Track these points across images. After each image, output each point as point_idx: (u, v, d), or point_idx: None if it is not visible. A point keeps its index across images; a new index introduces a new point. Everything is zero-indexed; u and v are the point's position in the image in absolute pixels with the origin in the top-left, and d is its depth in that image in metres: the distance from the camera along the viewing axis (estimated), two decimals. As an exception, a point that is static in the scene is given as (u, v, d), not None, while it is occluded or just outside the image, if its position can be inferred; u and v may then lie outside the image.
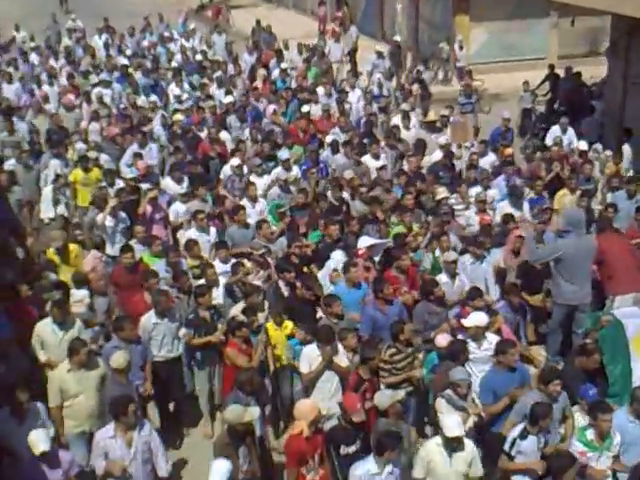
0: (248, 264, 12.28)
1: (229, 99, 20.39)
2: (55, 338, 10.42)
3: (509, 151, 17.03)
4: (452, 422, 8.42)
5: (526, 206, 14.47)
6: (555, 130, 18.35)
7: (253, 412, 8.67)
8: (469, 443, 8.60)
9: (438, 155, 16.76)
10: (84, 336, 10.49)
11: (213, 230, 13.73)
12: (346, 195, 14.83)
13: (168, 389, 10.97)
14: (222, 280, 11.98)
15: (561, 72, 23.08)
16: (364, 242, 12.56)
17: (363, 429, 8.97)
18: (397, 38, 25.12)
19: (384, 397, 9.14)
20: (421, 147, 17.22)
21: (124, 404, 8.56)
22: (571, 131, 18.35)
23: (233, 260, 12.38)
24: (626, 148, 17.16)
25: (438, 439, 8.56)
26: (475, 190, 14.65)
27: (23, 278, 11.69)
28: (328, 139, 17.77)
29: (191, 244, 12.82)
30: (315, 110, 19.81)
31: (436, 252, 12.58)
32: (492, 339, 10.27)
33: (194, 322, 10.93)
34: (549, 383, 9.05)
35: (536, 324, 12.50)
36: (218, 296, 11.86)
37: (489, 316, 10.54)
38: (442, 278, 11.74)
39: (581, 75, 22.31)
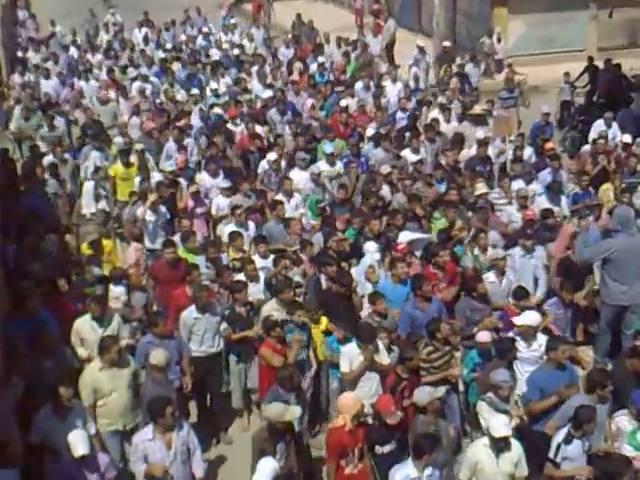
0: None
1: (268, 93, 20.26)
2: (94, 334, 10.31)
3: (550, 145, 16.77)
4: (499, 422, 8.32)
5: (564, 201, 14.19)
6: (599, 124, 17.97)
7: (294, 411, 8.62)
8: (515, 443, 8.47)
9: (474, 149, 16.57)
10: (124, 332, 10.56)
11: (252, 225, 13.65)
12: (384, 190, 14.69)
13: (207, 384, 10.87)
14: (261, 275, 11.88)
15: (600, 64, 22.66)
16: (405, 237, 12.37)
17: (398, 430, 8.82)
18: (447, 43, 24.64)
19: (423, 394, 9.03)
20: (458, 141, 17.02)
21: (162, 405, 8.46)
22: (615, 125, 17.98)
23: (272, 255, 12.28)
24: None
25: (485, 440, 8.44)
26: (517, 185, 14.41)
27: (61, 273, 11.70)
28: (369, 132, 17.63)
29: (235, 235, 12.79)
30: (352, 104, 19.64)
31: (475, 250, 12.31)
32: (542, 340, 10.03)
33: (230, 318, 10.90)
34: (602, 388, 8.81)
35: (585, 324, 12.17)
36: (259, 291, 11.75)
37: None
38: (489, 277, 11.52)
39: (620, 67, 21.84)
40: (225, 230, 13.50)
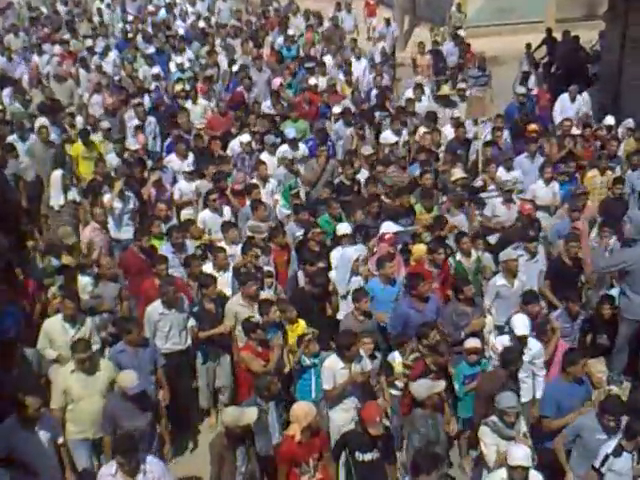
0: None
1: (234, 68, 19.59)
2: (65, 336, 9.63)
3: (533, 127, 15.90)
4: (519, 452, 7.63)
5: (557, 189, 13.65)
6: (564, 99, 17.64)
7: (251, 415, 8.09)
8: (536, 475, 7.79)
9: (449, 130, 16.08)
10: (96, 337, 9.96)
11: (227, 209, 13.05)
12: (364, 174, 14.18)
13: (175, 384, 10.08)
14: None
15: (559, 36, 22.27)
16: (389, 227, 11.73)
17: (382, 439, 8.27)
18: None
19: (422, 388, 8.59)
20: (432, 119, 16.42)
21: (126, 447, 7.65)
22: (580, 99, 17.66)
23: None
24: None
25: (503, 473, 7.74)
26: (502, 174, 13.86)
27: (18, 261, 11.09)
28: (336, 110, 17.00)
29: (188, 224, 12.22)
30: (322, 82, 18.93)
31: (457, 256, 11.64)
32: (533, 346, 9.56)
33: (199, 314, 10.39)
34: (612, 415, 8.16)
35: (594, 334, 11.13)
36: (226, 282, 11.19)
37: (544, 324, 9.88)
38: (496, 280, 10.92)
39: (578, 39, 21.56)
40: (200, 218, 12.93)
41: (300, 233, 12.26)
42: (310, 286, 10.62)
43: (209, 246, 12.07)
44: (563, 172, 14.02)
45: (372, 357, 9.63)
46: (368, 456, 8.19)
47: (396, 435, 9.07)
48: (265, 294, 10.59)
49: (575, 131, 15.91)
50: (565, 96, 17.74)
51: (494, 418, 8.34)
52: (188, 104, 17.54)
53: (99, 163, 14.45)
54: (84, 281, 10.91)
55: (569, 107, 17.64)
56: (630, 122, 15.85)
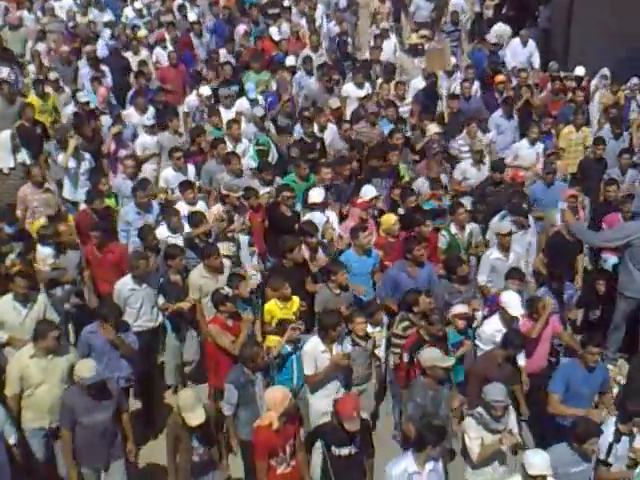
0: (220, 208, 11.02)
1: (192, 17, 18.72)
2: (17, 317, 8.97)
3: (501, 77, 15.32)
4: (539, 459, 7.04)
5: (541, 148, 13.10)
6: (515, 43, 17.16)
7: (200, 414, 7.50)
8: None
9: (419, 81, 15.44)
10: (51, 314, 9.22)
11: (191, 168, 12.43)
12: (331, 129, 13.52)
13: (144, 363, 9.55)
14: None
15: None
16: (369, 192, 11.22)
17: (359, 433, 7.73)
18: None
19: (428, 355, 8.14)
20: (390, 72, 15.82)
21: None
22: (532, 44, 17.15)
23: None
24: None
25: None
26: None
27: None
28: (291, 60, 16.39)
29: (145, 183, 11.49)
30: (285, 29, 18.26)
31: (452, 228, 11.04)
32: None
33: (165, 288, 9.81)
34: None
35: (586, 309, 10.60)
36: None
37: (534, 300, 9.32)
38: (492, 253, 10.42)
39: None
40: (162, 175, 12.41)
41: (264, 191, 11.62)
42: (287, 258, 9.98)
43: (164, 206, 11.51)
44: (542, 132, 13.46)
45: (366, 338, 9.06)
46: (345, 450, 7.68)
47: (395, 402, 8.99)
48: (250, 265, 10.26)
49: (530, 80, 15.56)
50: (517, 41, 17.27)
51: (480, 409, 7.83)
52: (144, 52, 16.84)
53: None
54: (45, 252, 10.12)
55: (520, 52, 17.18)
56: (605, 70, 15.30)
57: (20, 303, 9.01)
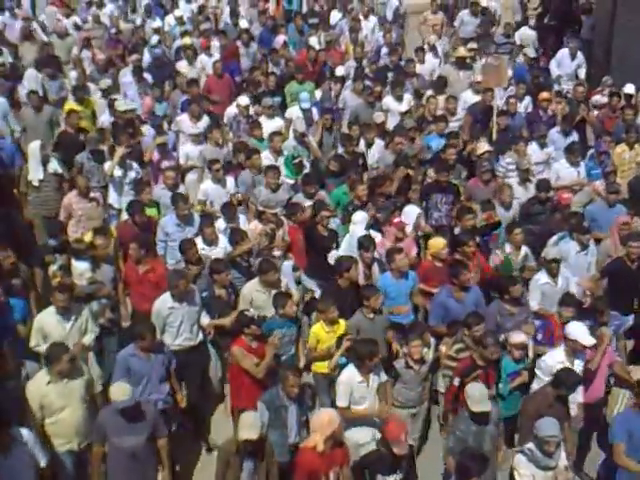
0: (259, 226, 10.82)
1: (244, 24, 18.41)
2: (62, 330, 8.80)
3: (545, 95, 14.76)
4: None
5: (583, 167, 12.73)
6: (564, 54, 16.66)
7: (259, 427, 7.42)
8: None
9: (470, 95, 15.05)
10: (93, 327, 9.18)
11: (230, 181, 12.18)
12: (378, 145, 13.25)
13: (185, 380, 9.38)
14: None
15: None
16: (412, 212, 10.98)
17: (405, 458, 7.64)
18: None
19: (472, 395, 7.77)
20: (441, 86, 15.39)
21: None
22: (580, 56, 16.68)
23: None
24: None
25: None
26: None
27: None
28: (339, 72, 16.00)
29: (177, 198, 11.18)
30: (321, 39, 17.98)
31: (506, 248, 10.71)
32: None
33: (209, 303, 9.62)
34: None
35: (637, 339, 10.19)
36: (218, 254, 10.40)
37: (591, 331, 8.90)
38: (540, 278, 10.04)
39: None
40: (201, 188, 12.15)
41: (308, 204, 11.39)
42: (343, 279, 9.69)
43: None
44: (603, 151, 13.12)
45: (421, 361, 8.82)
46: (391, 479, 7.57)
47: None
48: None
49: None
50: (565, 52, 16.83)
51: (531, 446, 7.48)
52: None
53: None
54: (82, 267, 9.94)
55: (567, 65, 16.76)
56: None
57: (62, 316, 8.87)
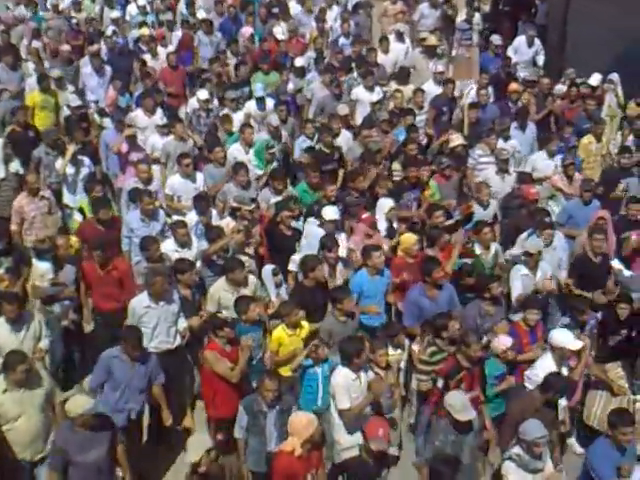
0: (231, 223, 10.55)
1: (202, 14, 18.10)
2: (15, 340, 8.50)
3: (515, 86, 14.55)
4: None
5: (559, 159, 12.50)
6: (521, 42, 16.56)
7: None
8: None
9: (431, 86, 14.78)
10: (46, 333, 8.87)
11: (200, 176, 11.94)
12: (345, 136, 13.04)
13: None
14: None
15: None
16: (385, 205, 10.80)
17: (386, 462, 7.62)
18: None
19: (453, 403, 7.59)
20: (405, 76, 15.16)
21: None
22: (537, 42, 16.62)
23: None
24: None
25: None
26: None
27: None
28: (298, 62, 15.76)
29: (141, 193, 10.95)
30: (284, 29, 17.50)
31: (475, 249, 10.48)
32: None
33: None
34: None
35: (605, 335, 9.71)
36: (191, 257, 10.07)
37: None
38: (520, 269, 9.91)
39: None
40: (168, 183, 11.95)
41: (275, 200, 11.23)
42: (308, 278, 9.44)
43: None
44: (573, 146, 12.97)
45: (387, 368, 8.62)
46: None
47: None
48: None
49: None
50: (522, 39, 16.73)
51: (517, 450, 7.34)
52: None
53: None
54: (43, 267, 9.65)
55: (525, 52, 16.67)
56: (613, 75, 14.79)
57: (13, 326, 8.57)
